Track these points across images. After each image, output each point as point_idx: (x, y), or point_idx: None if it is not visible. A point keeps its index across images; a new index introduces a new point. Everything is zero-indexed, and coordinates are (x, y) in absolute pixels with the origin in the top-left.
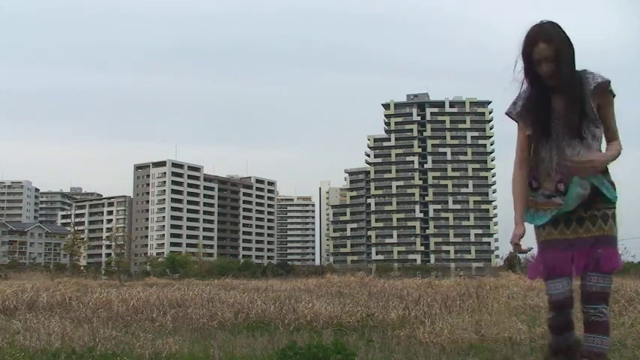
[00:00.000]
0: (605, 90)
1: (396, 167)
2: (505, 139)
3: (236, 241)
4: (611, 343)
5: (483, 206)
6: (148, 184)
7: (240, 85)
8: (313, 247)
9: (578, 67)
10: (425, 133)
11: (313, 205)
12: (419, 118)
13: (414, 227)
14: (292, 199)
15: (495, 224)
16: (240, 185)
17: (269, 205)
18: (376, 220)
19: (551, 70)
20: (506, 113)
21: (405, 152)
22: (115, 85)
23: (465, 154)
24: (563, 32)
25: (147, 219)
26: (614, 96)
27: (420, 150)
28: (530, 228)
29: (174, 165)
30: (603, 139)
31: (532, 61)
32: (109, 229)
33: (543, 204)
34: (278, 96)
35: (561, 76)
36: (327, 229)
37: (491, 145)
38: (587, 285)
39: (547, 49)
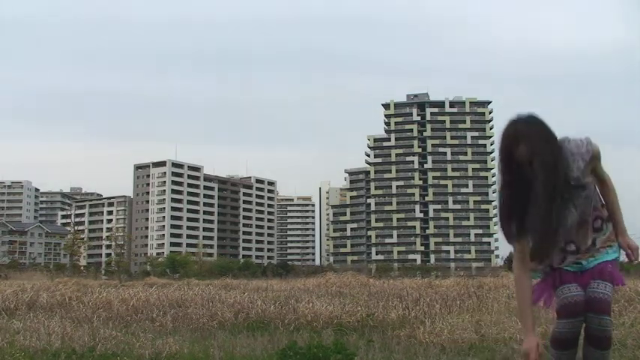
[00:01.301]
0: (597, 156)
1: (396, 167)
2: None
3: (236, 241)
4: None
5: (483, 206)
6: (147, 184)
7: (240, 85)
8: (313, 247)
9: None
10: (425, 133)
11: (313, 205)
12: (419, 118)
13: (414, 227)
14: (292, 199)
15: (495, 224)
16: (240, 185)
17: (269, 205)
18: (376, 220)
19: (534, 169)
20: (507, 236)
21: (405, 152)
22: (115, 85)
23: (465, 154)
24: (540, 126)
25: (147, 219)
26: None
27: (420, 150)
28: None
29: (174, 165)
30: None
31: (514, 161)
32: (109, 229)
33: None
34: (278, 96)
35: (544, 169)
36: (327, 229)
37: (491, 145)
38: (592, 291)
39: (525, 151)
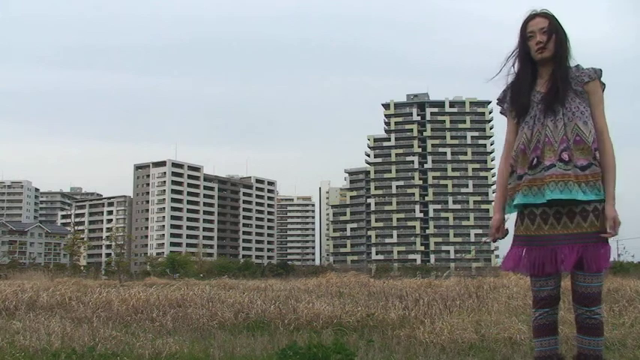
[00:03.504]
0: (597, 79)
1: (396, 167)
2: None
3: (236, 241)
4: (604, 342)
5: (483, 206)
6: (147, 184)
7: (240, 85)
8: (313, 247)
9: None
10: (425, 133)
11: (313, 205)
12: (419, 118)
13: (414, 227)
14: (292, 199)
15: None
16: (240, 185)
17: (269, 205)
18: (376, 220)
19: (545, 40)
20: (498, 99)
21: (405, 152)
22: (115, 85)
23: (465, 154)
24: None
25: (147, 219)
26: (604, 87)
27: (420, 150)
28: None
29: (174, 165)
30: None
31: (525, 36)
32: (109, 229)
33: (514, 187)
34: (278, 96)
35: (555, 45)
36: (327, 229)
37: (491, 145)
38: (579, 286)
39: (543, 22)
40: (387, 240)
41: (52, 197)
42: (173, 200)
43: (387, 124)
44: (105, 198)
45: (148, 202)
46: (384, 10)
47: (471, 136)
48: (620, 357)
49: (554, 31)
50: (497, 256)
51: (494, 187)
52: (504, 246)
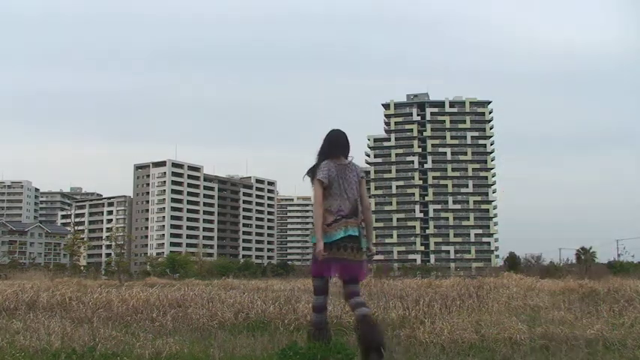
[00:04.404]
0: (364, 179)
1: (396, 167)
2: (505, 139)
3: (236, 241)
4: (370, 310)
5: (483, 206)
6: (148, 184)
7: (240, 85)
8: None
9: None
10: (425, 133)
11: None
12: (419, 118)
13: (414, 227)
14: (292, 199)
15: (495, 224)
16: (240, 185)
17: (269, 205)
18: (376, 220)
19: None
20: (319, 178)
21: (405, 152)
22: (115, 85)
23: (465, 154)
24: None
25: (147, 219)
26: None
27: (420, 150)
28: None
29: (174, 165)
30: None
31: (336, 148)
32: (109, 229)
33: (333, 229)
34: (278, 96)
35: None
36: None
37: (491, 145)
38: (350, 287)
39: (346, 147)
40: (387, 240)
41: (52, 197)
42: (173, 200)
43: (387, 124)
44: (105, 198)
45: (148, 202)
46: (384, 10)
47: (471, 136)
48: (620, 357)
49: (347, 152)
50: (497, 256)
51: (494, 187)
52: (504, 246)
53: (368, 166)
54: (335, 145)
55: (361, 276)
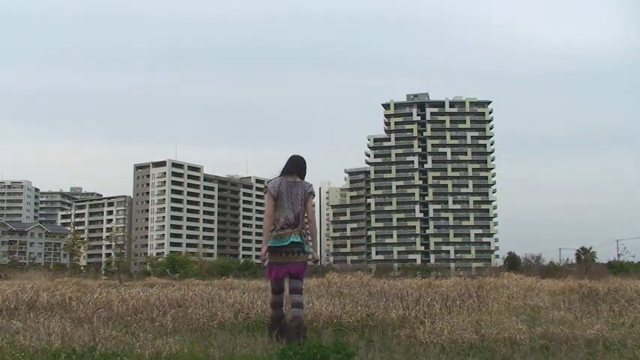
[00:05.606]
0: (312, 195)
1: (396, 167)
2: (505, 139)
3: (236, 241)
4: (304, 311)
5: (483, 206)
6: (147, 184)
7: (240, 85)
8: None
9: None
10: (425, 133)
11: (313, 205)
12: (419, 118)
13: (414, 227)
14: None
15: (495, 224)
16: (240, 185)
17: None
18: (376, 220)
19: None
20: (269, 189)
21: (405, 152)
22: (115, 85)
23: (465, 154)
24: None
25: (147, 219)
26: (313, 196)
27: (420, 150)
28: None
29: (174, 165)
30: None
31: (290, 167)
32: (109, 229)
33: (278, 236)
34: (278, 96)
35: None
36: (327, 229)
37: (491, 145)
38: (293, 283)
39: (300, 168)
40: (387, 240)
41: (52, 197)
42: (173, 200)
43: (387, 124)
44: (105, 198)
45: (148, 202)
46: (384, 9)
47: (471, 136)
48: (620, 357)
49: (302, 173)
50: (497, 256)
51: (494, 187)
52: (504, 246)
53: (368, 166)
54: (290, 165)
55: (302, 274)
